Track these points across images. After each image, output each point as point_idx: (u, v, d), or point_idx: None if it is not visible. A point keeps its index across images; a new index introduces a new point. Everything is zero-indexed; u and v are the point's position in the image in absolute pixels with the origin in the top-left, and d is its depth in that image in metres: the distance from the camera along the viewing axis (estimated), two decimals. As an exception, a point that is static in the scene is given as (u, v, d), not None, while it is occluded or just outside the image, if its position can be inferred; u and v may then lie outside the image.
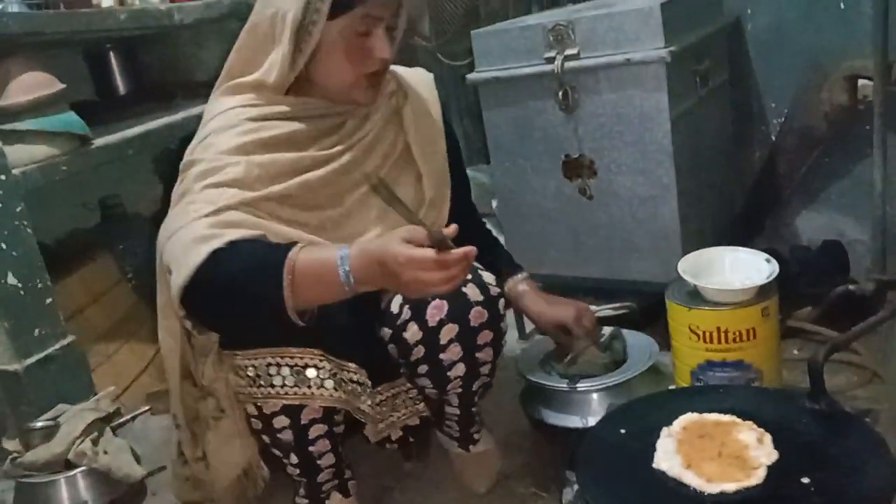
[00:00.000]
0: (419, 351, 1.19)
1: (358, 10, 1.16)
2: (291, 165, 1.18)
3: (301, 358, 1.14)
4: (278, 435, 1.20)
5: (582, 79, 1.60)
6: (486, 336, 1.20)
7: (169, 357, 1.22)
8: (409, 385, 1.33)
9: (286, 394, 1.14)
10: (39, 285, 1.58)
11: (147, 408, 1.65)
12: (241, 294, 1.02)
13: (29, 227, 1.54)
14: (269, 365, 1.14)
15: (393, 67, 1.34)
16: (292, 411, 1.17)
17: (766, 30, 1.89)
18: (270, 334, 1.13)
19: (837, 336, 1.30)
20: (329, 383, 1.15)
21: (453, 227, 1.01)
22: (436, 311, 1.16)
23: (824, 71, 1.74)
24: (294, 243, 1.04)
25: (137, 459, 1.53)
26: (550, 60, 1.61)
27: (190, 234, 1.04)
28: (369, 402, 1.21)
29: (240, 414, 1.21)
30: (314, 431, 1.21)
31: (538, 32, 1.63)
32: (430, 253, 0.96)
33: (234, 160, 1.14)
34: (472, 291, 1.18)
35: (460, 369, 1.21)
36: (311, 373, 1.14)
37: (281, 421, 1.18)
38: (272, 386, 1.14)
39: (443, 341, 1.17)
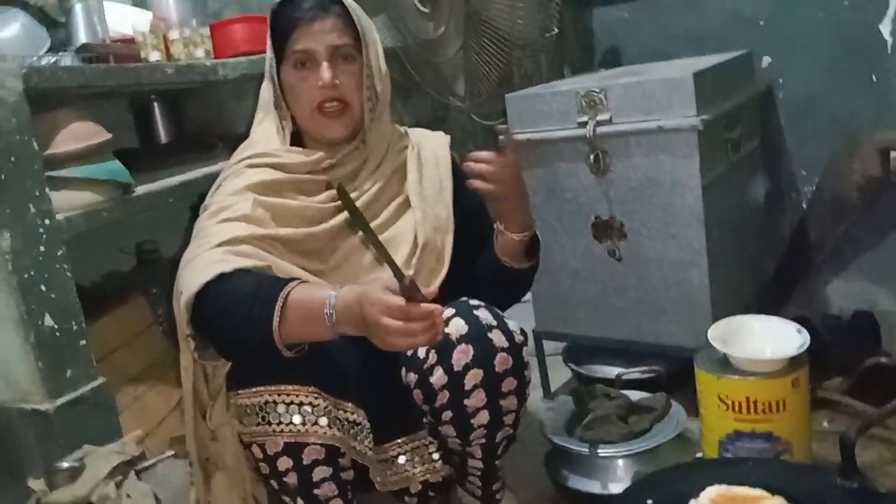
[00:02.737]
0: (444, 396, 1.19)
1: (290, 47, 1.28)
2: (296, 212, 1.27)
3: (297, 395, 1.16)
4: (284, 479, 1.20)
5: (613, 143, 1.63)
6: (510, 383, 1.19)
7: (185, 393, 1.27)
8: (429, 439, 1.33)
9: (282, 431, 1.16)
10: (75, 328, 1.60)
11: (171, 453, 1.66)
12: (237, 317, 1.08)
13: (69, 271, 1.57)
14: (268, 402, 1.16)
15: (412, 130, 1.44)
16: (294, 451, 1.18)
17: (798, 98, 1.91)
18: (269, 368, 1.16)
19: (870, 412, 1.28)
20: (323, 420, 1.17)
21: (433, 289, 1.05)
22: (461, 355, 1.17)
23: (856, 141, 1.75)
24: (294, 278, 1.10)
25: (158, 503, 1.53)
26: (583, 125, 1.64)
27: (202, 261, 1.13)
28: (367, 444, 1.21)
29: (240, 468, 1.25)
30: (318, 473, 1.21)
31: (571, 98, 1.66)
32: (398, 300, 0.99)
33: (241, 198, 1.24)
34: (497, 337, 1.18)
35: (484, 417, 1.20)
36: (305, 410, 1.16)
37: (284, 462, 1.19)
38: (269, 423, 1.16)
39: (467, 386, 1.17)
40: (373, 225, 1.28)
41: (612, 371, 1.81)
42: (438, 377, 1.18)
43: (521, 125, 1.75)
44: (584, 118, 1.64)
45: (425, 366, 1.20)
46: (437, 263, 1.35)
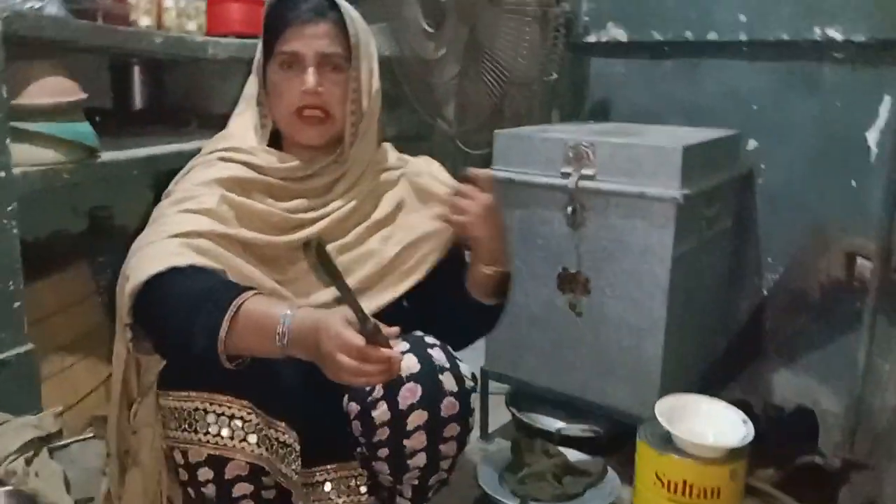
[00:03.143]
0: (384, 432, 1.16)
1: (279, 46, 1.25)
2: (261, 216, 1.22)
3: (229, 407, 1.13)
4: (202, 489, 1.17)
5: (593, 199, 1.63)
6: (453, 429, 1.17)
7: (114, 381, 1.22)
8: (358, 471, 1.30)
9: (208, 442, 1.12)
10: (11, 287, 1.53)
11: (90, 434, 1.60)
12: (182, 317, 1.03)
13: (16, 227, 1.51)
14: (197, 410, 1.13)
15: (409, 159, 1.41)
16: (217, 464, 1.15)
17: (776, 186, 1.93)
18: (203, 373, 1.12)
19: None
20: (252, 438, 1.13)
21: (395, 330, 1.02)
22: (409, 394, 1.14)
23: (826, 240, 1.78)
24: (251, 288, 1.06)
25: (68, 486, 1.47)
26: (566, 175, 1.64)
27: (153, 250, 1.08)
28: (294, 468, 1.17)
29: (155, 467, 1.20)
30: (239, 490, 1.17)
31: (559, 146, 1.65)
32: (358, 340, 0.97)
33: (208, 191, 1.19)
34: (447, 380, 1.16)
35: (421, 459, 1.18)
36: (235, 423, 1.13)
37: (205, 473, 1.15)
38: (195, 432, 1.13)
39: (409, 427, 1.15)
40: (336, 244, 1.26)
41: (552, 423, 1.80)
42: (381, 412, 1.15)
43: (505, 163, 1.74)
44: (569, 169, 1.64)
45: (369, 398, 1.17)
46: (398, 282, 1.31)
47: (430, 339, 1.20)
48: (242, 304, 1.02)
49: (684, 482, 1.28)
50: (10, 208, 1.49)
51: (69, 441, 1.53)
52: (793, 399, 1.82)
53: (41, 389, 1.64)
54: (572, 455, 1.56)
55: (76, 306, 1.92)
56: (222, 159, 1.27)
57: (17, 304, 1.55)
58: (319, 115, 1.25)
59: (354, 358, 0.96)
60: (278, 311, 1.02)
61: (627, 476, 1.51)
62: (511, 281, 1.36)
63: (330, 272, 1.00)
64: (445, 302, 1.32)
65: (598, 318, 1.66)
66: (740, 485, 1.32)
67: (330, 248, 1.21)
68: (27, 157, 1.53)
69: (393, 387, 1.14)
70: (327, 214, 1.27)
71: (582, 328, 1.69)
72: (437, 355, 1.17)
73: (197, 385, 1.13)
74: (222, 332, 1.00)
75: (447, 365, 1.17)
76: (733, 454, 1.29)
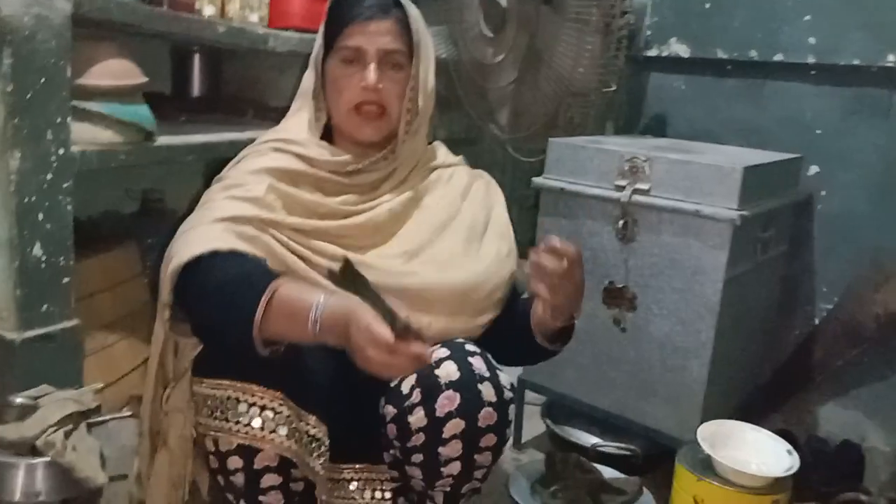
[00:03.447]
0: (419, 438, 1.15)
1: (341, 40, 1.26)
2: (308, 205, 1.24)
3: (261, 397, 1.12)
4: (231, 477, 1.17)
5: (646, 214, 1.60)
6: (489, 439, 1.16)
7: (150, 362, 1.26)
8: (386, 475, 1.28)
9: (238, 431, 1.12)
10: (62, 262, 1.55)
11: (128, 413, 1.61)
12: (221, 299, 1.06)
13: (71, 204, 1.53)
14: (230, 398, 1.13)
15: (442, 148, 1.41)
16: (247, 453, 1.14)
17: (834, 215, 1.88)
18: (238, 361, 1.12)
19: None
20: (282, 430, 1.12)
21: (426, 323, 1.03)
22: (447, 401, 1.13)
23: (884, 272, 1.73)
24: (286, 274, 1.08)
25: (103, 462, 1.48)
26: (620, 188, 1.61)
27: (199, 233, 1.11)
28: (321, 462, 1.17)
29: (184, 452, 1.22)
30: (267, 480, 1.17)
31: (614, 158, 1.63)
32: (387, 335, 0.96)
33: (257, 179, 1.21)
34: (486, 390, 1.14)
35: (455, 468, 1.16)
36: (267, 414, 1.12)
37: (234, 461, 1.15)
38: (227, 420, 1.12)
39: (446, 435, 1.13)
40: (398, 250, 1.27)
41: (587, 438, 1.77)
42: (418, 418, 1.14)
43: (558, 172, 1.72)
44: (623, 182, 1.61)
45: (406, 402, 1.16)
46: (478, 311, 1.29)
47: (470, 347, 1.19)
48: (277, 289, 1.03)
49: (723, 509, 1.24)
50: (66, 185, 1.51)
51: (107, 418, 1.54)
52: (839, 433, 1.77)
53: (83, 366, 1.66)
54: (607, 472, 1.53)
55: (122, 286, 1.94)
56: (275, 149, 1.28)
57: (65, 280, 1.57)
58: (376, 110, 1.26)
59: (384, 352, 0.96)
60: (312, 297, 1.02)
61: (662, 498, 1.47)
62: (574, 327, 1.30)
63: (359, 288, 1.00)
64: (506, 336, 1.30)
65: (643, 335, 1.63)
66: (782, 517, 1.28)
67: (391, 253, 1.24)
68: (86, 136, 1.55)
69: (431, 393, 1.13)
70: (374, 208, 1.28)
71: (625, 345, 1.66)
72: (478, 364, 1.16)
73: (231, 374, 1.13)
74: (258, 316, 1.01)
75: (487, 374, 1.15)
76: (776, 485, 1.25)
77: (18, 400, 1.44)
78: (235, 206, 1.17)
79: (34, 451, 1.40)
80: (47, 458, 1.39)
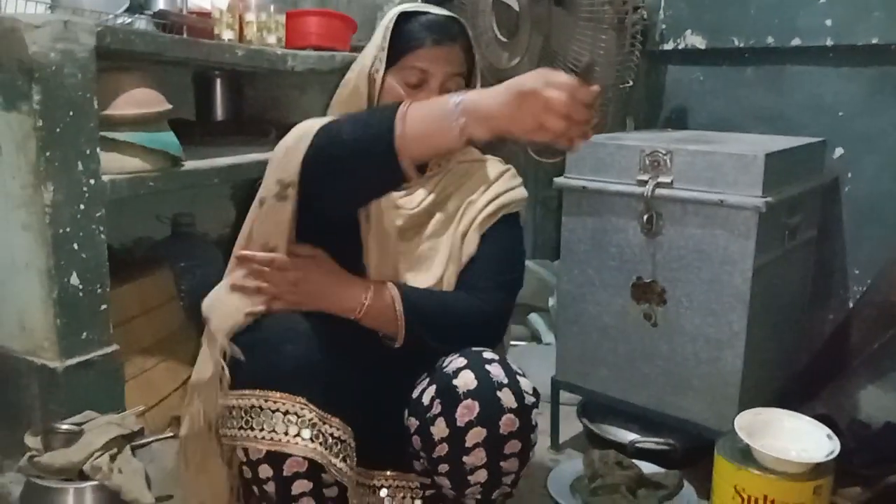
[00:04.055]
0: (442, 448, 1.16)
1: (409, 61, 1.29)
2: None
3: (283, 403, 1.13)
4: (264, 486, 1.18)
5: (670, 207, 1.59)
6: (513, 446, 1.16)
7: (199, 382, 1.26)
8: (416, 483, 1.30)
9: (263, 438, 1.13)
10: (99, 291, 1.59)
11: (170, 434, 1.64)
12: (357, 128, 1.12)
13: (104, 233, 1.56)
14: (253, 407, 1.14)
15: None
16: (276, 460, 1.15)
17: (863, 197, 1.86)
18: (261, 374, 1.14)
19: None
20: (306, 433, 1.13)
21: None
22: (466, 410, 1.13)
23: (918, 251, 1.70)
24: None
25: (149, 483, 1.51)
26: (642, 183, 1.61)
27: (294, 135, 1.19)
28: (348, 463, 1.18)
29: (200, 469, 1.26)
30: (298, 487, 1.18)
31: (635, 154, 1.63)
32: (571, 79, 0.99)
33: None
34: (506, 397, 1.14)
35: (482, 475, 1.17)
36: (290, 419, 1.13)
37: (265, 470, 1.16)
38: (252, 429, 1.14)
39: (468, 444, 1.14)
40: (419, 236, 1.31)
41: (625, 435, 1.76)
42: (440, 429, 1.15)
43: (579, 171, 1.73)
44: (645, 177, 1.61)
45: (428, 414, 1.17)
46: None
47: (488, 355, 1.20)
48: (409, 105, 1.09)
49: (765, 497, 1.23)
50: (98, 214, 1.55)
51: (150, 440, 1.57)
52: (880, 416, 1.74)
53: (124, 389, 1.70)
54: (646, 468, 1.53)
55: (158, 310, 1.98)
56: None
57: (103, 307, 1.61)
58: None
59: (567, 96, 0.98)
60: (446, 98, 1.08)
61: (703, 491, 1.46)
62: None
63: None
64: None
65: (675, 328, 1.62)
66: (825, 503, 1.26)
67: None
68: (115, 165, 1.59)
69: (451, 403, 1.14)
70: (414, 209, 1.32)
71: (657, 339, 1.65)
72: (496, 371, 1.16)
73: (253, 384, 1.15)
74: (398, 127, 1.07)
75: (505, 381, 1.15)
76: (818, 470, 1.24)
77: (63, 427, 1.48)
78: None
79: (82, 476, 1.43)
80: (95, 482, 1.43)
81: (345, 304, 1.23)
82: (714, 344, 1.57)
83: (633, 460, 1.55)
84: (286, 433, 1.13)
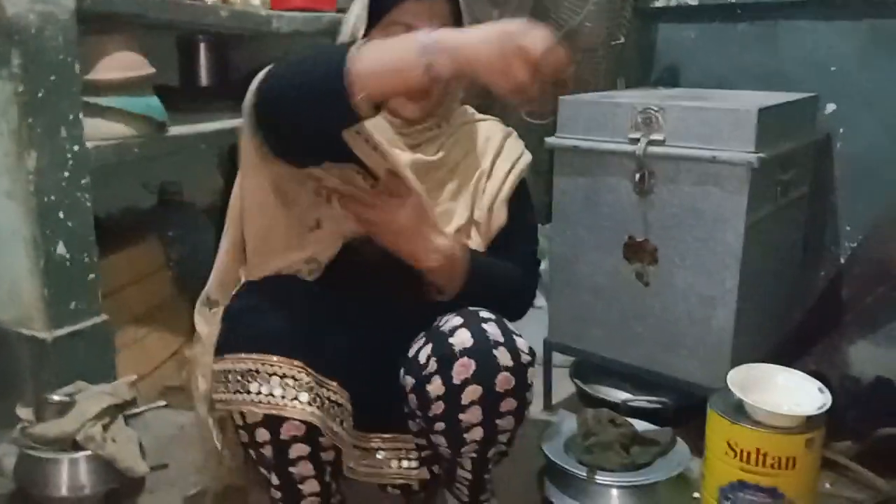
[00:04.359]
0: (438, 407, 1.15)
1: (392, 17, 1.22)
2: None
3: (280, 367, 1.12)
4: (261, 450, 1.17)
5: (662, 165, 1.58)
6: (509, 404, 1.16)
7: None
8: (413, 443, 1.30)
9: (260, 402, 1.11)
10: (86, 259, 1.58)
11: (163, 403, 1.64)
12: (307, 82, 1.04)
13: (90, 201, 1.55)
14: (250, 371, 1.12)
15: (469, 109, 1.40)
16: (272, 424, 1.14)
17: (855, 153, 1.86)
18: (258, 337, 1.13)
19: (878, 483, 1.23)
20: (304, 396, 1.12)
21: None
22: (462, 368, 1.13)
23: (909, 207, 1.70)
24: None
25: (143, 452, 1.51)
26: (634, 141, 1.59)
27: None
28: (345, 427, 1.17)
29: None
30: (295, 451, 1.17)
31: (627, 111, 1.61)
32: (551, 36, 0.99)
33: None
34: (502, 355, 1.14)
35: (478, 433, 1.17)
36: (288, 382, 1.12)
37: (262, 434, 1.15)
38: (248, 392, 1.12)
39: (464, 402, 1.13)
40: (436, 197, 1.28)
41: (618, 394, 1.77)
42: (436, 387, 1.14)
43: (571, 131, 1.71)
44: (637, 135, 1.59)
45: (424, 372, 1.16)
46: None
47: (484, 314, 1.19)
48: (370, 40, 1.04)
49: (757, 451, 1.23)
50: (84, 181, 1.53)
51: (143, 409, 1.57)
52: (872, 371, 1.76)
53: (116, 359, 1.69)
54: (640, 425, 1.53)
55: (147, 279, 1.97)
56: None
57: (91, 277, 1.60)
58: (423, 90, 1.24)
59: (541, 43, 0.97)
60: (411, 35, 1.04)
61: (696, 448, 1.47)
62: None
63: None
64: None
65: (667, 287, 1.62)
66: (816, 455, 1.27)
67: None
68: (99, 131, 1.57)
69: (447, 361, 1.14)
70: (428, 173, 1.28)
71: (649, 299, 1.65)
72: (492, 330, 1.16)
73: (250, 348, 1.13)
74: (353, 48, 1.01)
75: (501, 339, 1.15)
76: (810, 423, 1.24)
77: (55, 397, 1.47)
78: None
79: (75, 446, 1.43)
80: (88, 452, 1.43)
81: (431, 251, 1.21)
82: (706, 302, 1.57)
83: (627, 419, 1.56)
84: (283, 397, 1.11)
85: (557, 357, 1.87)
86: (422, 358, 1.18)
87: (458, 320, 1.17)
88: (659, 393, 1.73)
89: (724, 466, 1.29)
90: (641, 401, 1.71)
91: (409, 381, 1.19)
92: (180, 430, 1.68)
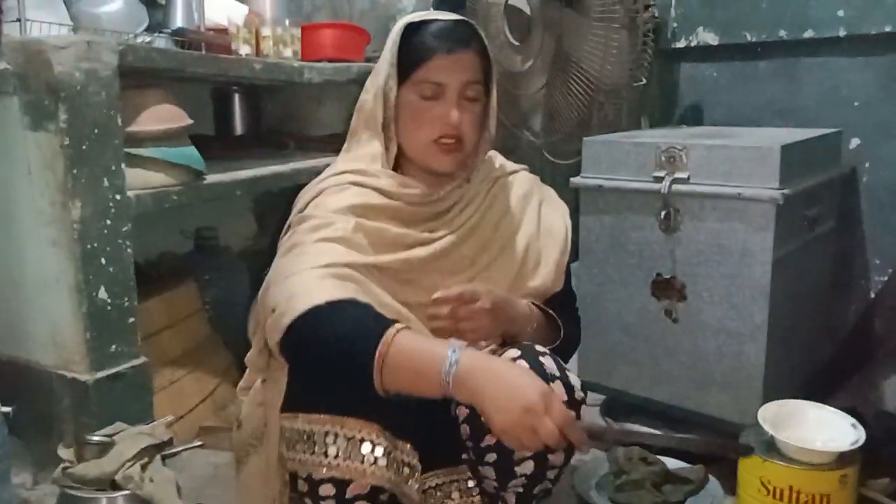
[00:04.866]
0: (491, 438, 1.15)
1: (421, 74, 1.23)
2: (395, 240, 1.23)
3: (359, 430, 1.11)
4: (321, 502, 1.16)
5: (687, 203, 1.60)
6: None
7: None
8: (467, 475, 1.29)
9: (338, 465, 1.11)
10: (126, 304, 1.62)
11: (200, 443, 1.66)
12: (334, 355, 1.05)
13: (130, 247, 1.60)
14: (327, 433, 1.11)
15: (498, 157, 1.41)
16: (340, 483, 1.13)
17: (882, 186, 1.85)
18: (333, 396, 1.12)
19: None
20: (382, 461, 1.11)
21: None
22: None
23: (939, 239, 1.69)
24: (394, 321, 1.06)
25: (179, 492, 1.53)
26: (658, 180, 1.62)
27: (300, 282, 1.10)
28: (416, 487, 1.17)
29: (271, 450, 1.21)
30: None
31: (651, 150, 1.64)
32: (571, 414, 0.97)
33: (343, 218, 1.20)
34: (558, 389, 1.14)
35: (528, 467, 1.17)
36: (365, 447, 1.11)
37: (327, 489, 1.14)
38: (325, 455, 1.11)
39: None
40: (476, 247, 1.30)
41: (649, 433, 1.76)
42: None
43: (595, 170, 1.74)
44: (661, 173, 1.62)
45: None
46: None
47: (539, 348, 1.20)
48: (392, 341, 1.02)
49: (791, 488, 1.23)
50: (125, 229, 1.58)
51: (180, 449, 1.60)
52: (908, 407, 1.73)
53: (153, 400, 1.73)
54: (671, 463, 1.53)
55: (184, 322, 2.01)
56: (353, 183, 1.27)
57: (131, 320, 1.64)
58: (455, 144, 1.25)
59: (559, 425, 0.96)
60: (438, 350, 1.01)
61: (729, 487, 1.46)
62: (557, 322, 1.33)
63: None
64: None
65: (696, 324, 1.63)
66: (852, 493, 1.26)
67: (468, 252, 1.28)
68: (139, 180, 1.62)
69: None
70: (455, 230, 1.29)
71: (679, 336, 1.66)
72: (548, 363, 1.16)
73: (324, 408, 1.12)
74: (375, 371, 1.01)
75: (557, 374, 1.16)
76: (843, 459, 1.24)
77: (95, 438, 1.51)
78: (327, 249, 1.16)
79: (114, 486, 1.46)
80: (127, 492, 1.46)
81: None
82: (736, 338, 1.57)
83: (658, 457, 1.55)
84: (362, 462, 1.11)
85: (588, 395, 1.87)
86: None
87: (515, 352, 1.18)
88: (691, 430, 1.71)
89: (758, 504, 1.28)
90: (674, 439, 1.70)
91: (463, 410, 1.20)
92: (216, 469, 1.70)
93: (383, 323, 1.05)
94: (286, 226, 1.28)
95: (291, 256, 1.16)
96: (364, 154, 1.30)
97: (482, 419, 1.07)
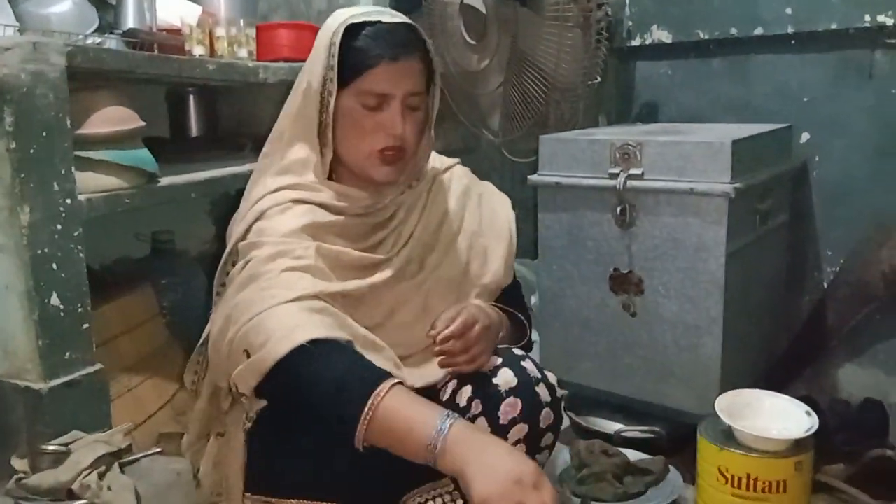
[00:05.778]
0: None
1: (364, 84, 1.17)
2: (353, 263, 1.19)
3: None
4: None
5: (642, 198, 1.62)
6: (548, 439, 1.17)
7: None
8: (451, 486, 1.28)
9: None
10: (80, 310, 1.59)
11: (158, 449, 1.63)
12: (316, 401, 1.02)
13: (82, 252, 1.56)
14: None
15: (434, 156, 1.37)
16: None
17: (832, 179, 1.90)
18: (296, 477, 1.13)
19: (870, 505, 1.23)
20: None
21: None
22: (510, 409, 1.12)
23: (887, 230, 1.74)
24: (386, 373, 1.02)
25: (139, 499, 1.51)
26: (614, 176, 1.63)
27: (275, 320, 1.04)
28: None
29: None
30: None
31: (606, 148, 1.65)
32: (558, 494, 0.96)
33: (300, 243, 1.15)
34: (542, 391, 1.15)
35: None
36: None
37: None
38: None
39: (511, 441, 1.12)
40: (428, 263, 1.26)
41: (611, 426, 1.78)
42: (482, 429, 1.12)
43: (552, 168, 1.75)
44: (616, 170, 1.64)
45: (468, 415, 1.14)
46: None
47: (518, 352, 1.20)
48: (380, 403, 0.98)
49: (748, 476, 1.25)
50: (76, 233, 1.54)
51: (139, 456, 1.57)
52: (860, 393, 1.78)
53: (110, 408, 1.70)
54: (632, 455, 1.55)
55: (141, 328, 1.98)
56: (295, 201, 1.21)
57: (85, 327, 1.60)
58: (398, 154, 1.21)
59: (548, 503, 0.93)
60: (431, 416, 0.98)
61: (689, 476, 1.48)
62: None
63: None
64: None
65: (653, 318, 1.65)
66: (807, 478, 1.29)
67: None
68: (91, 184, 1.59)
69: (492, 402, 1.13)
70: (407, 242, 1.26)
71: (637, 329, 1.68)
72: (530, 367, 1.16)
73: (286, 490, 1.14)
74: (359, 431, 0.98)
75: (539, 376, 1.16)
76: (798, 446, 1.27)
77: (50, 448, 1.47)
78: (296, 279, 1.10)
79: (71, 496, 1.43)
80: (84, 501, 1.43)
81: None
82: (693, 330, 1.60)
83: (619, 448, 1.57)
84: None
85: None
86: (461, 400, 1.16)
87: (497, 360, 1.16)
88: (651, 422, 1.74)
89: (717, 493, 1.31)
90: (634, 431, 1.72)
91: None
92: (176, 476, 1.67)
93: (375, 374, 1.01)
94: (226, 254, 1.23)
95: (254, 290, 1.09)
96: (293, 161, 1.24)
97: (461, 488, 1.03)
